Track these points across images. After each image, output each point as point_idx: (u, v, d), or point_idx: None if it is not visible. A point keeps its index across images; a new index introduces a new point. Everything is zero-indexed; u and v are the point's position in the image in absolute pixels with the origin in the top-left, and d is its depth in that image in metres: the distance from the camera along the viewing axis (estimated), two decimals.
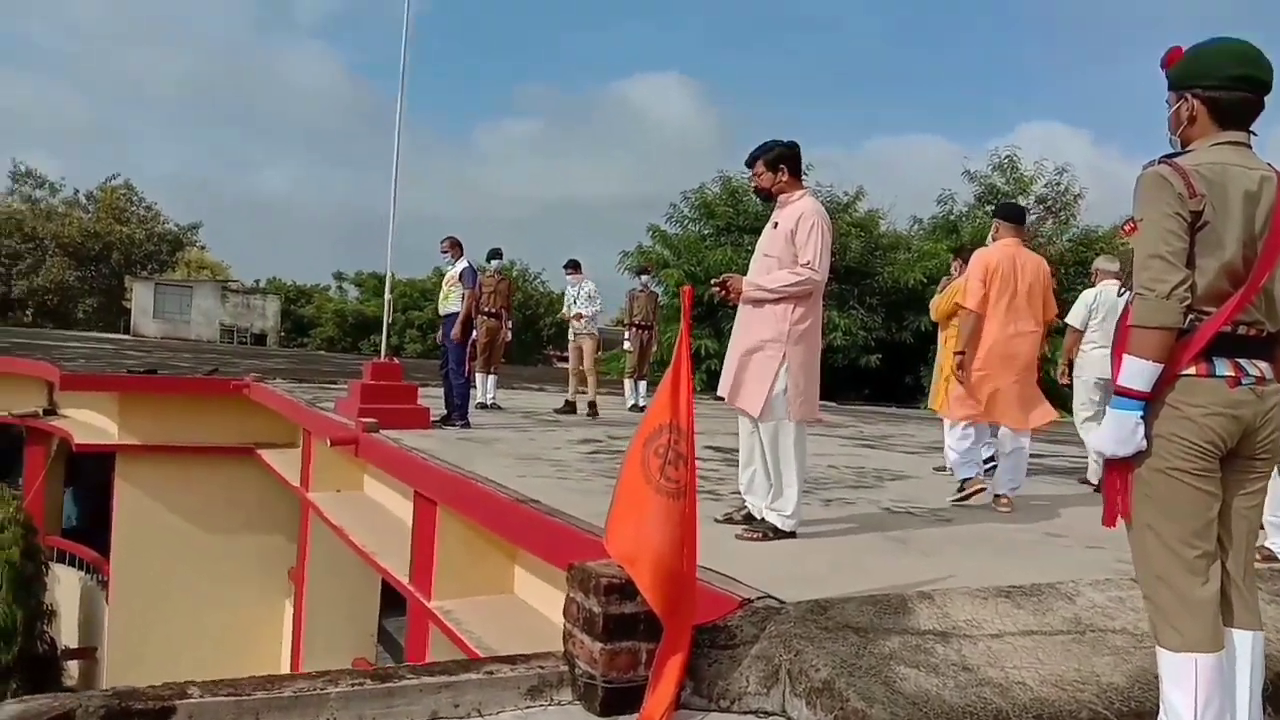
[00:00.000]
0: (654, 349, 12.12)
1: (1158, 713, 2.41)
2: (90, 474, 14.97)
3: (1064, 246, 21.31)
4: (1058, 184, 21.72)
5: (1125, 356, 2.35)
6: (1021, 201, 21.99)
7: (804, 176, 4.52)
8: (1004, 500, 5.64)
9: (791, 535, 4.24)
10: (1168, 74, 2.54)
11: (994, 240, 5.96)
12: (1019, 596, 3.39)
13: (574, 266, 11.51)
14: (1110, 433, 2.36)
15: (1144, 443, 2.33)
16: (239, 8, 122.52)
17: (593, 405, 10.99)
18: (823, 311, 4.43)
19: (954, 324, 6.68)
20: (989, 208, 21.90)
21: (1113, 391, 2.39)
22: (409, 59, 8.52)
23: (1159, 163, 2.41)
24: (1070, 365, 7.14)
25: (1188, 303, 2.29)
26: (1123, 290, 2.52)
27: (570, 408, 11.18)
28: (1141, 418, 2.33)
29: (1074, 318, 7.05)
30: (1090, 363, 6.97)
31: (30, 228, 44.11)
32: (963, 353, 5.52)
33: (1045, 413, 5.76)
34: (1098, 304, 6.98)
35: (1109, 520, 2.46)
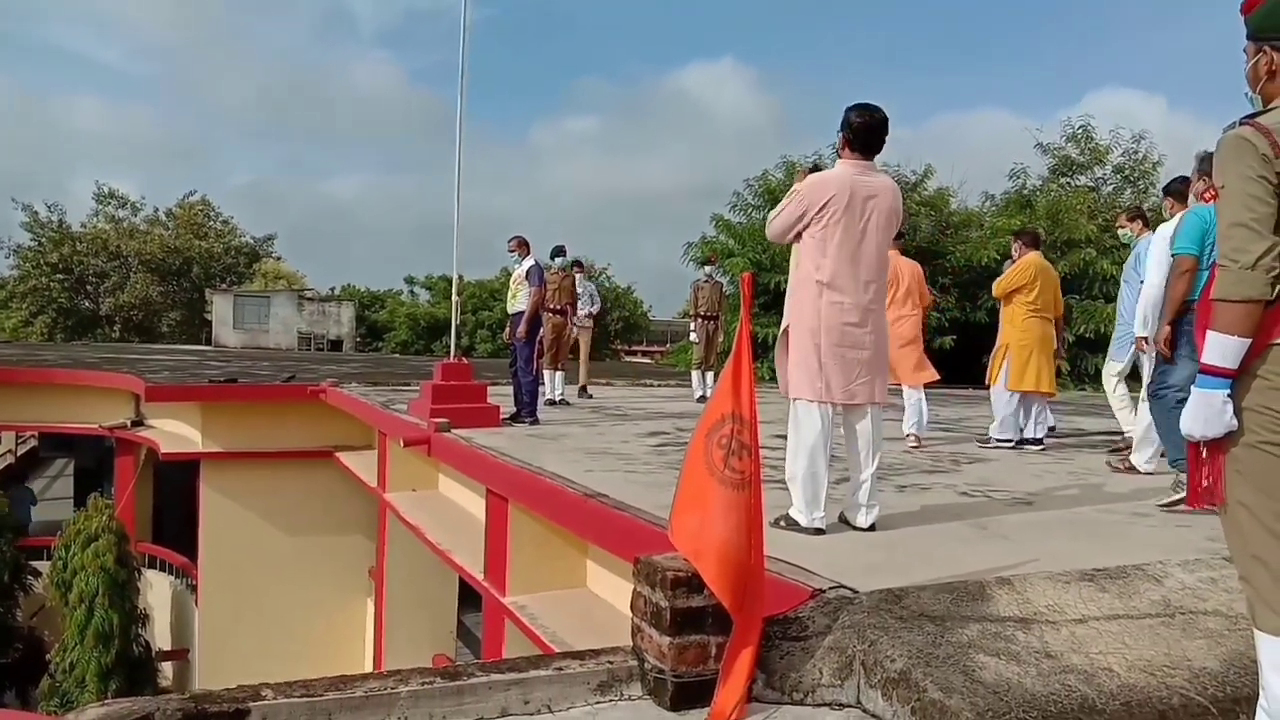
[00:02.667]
0: (720, 339, 12.02)
1: (1256, 698, 2.28)
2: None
3: None
4: (1135, 152, 21.01)
5: (1210, 333, 2.22)
6: (1098, 171, 21.32)
7: (861, 149, 4.09)
8: (913, 438, 7.47)
9: (816, 532, 3.96)
10: (1247, 21, 2.38)
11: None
12: (1103, 580, 3.26)
13: (579, 266, 12.43)
14: (1197, 412, 2.24)
15: (1234, 422, 2.21)
16: (303, 23, 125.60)
17: (585, 389, 12.66)
18: (866, 286, 4.05)
19: (1017, 299, 7.49)
20: (1064, 180, 21.30)
21: (1198, 370, 2.27)
22: (468, 63, 8.54)
23: (1240, 124, 2.27)
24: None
25: (1275, 272, 2.15)
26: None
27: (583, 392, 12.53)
28: (1229, 395, 2.21)
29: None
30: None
31: (115, 246, 45.71)
32: None
33: (930, 374, 7.60)
34: None
35: (1194, 500, 2.34)
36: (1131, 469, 6.28)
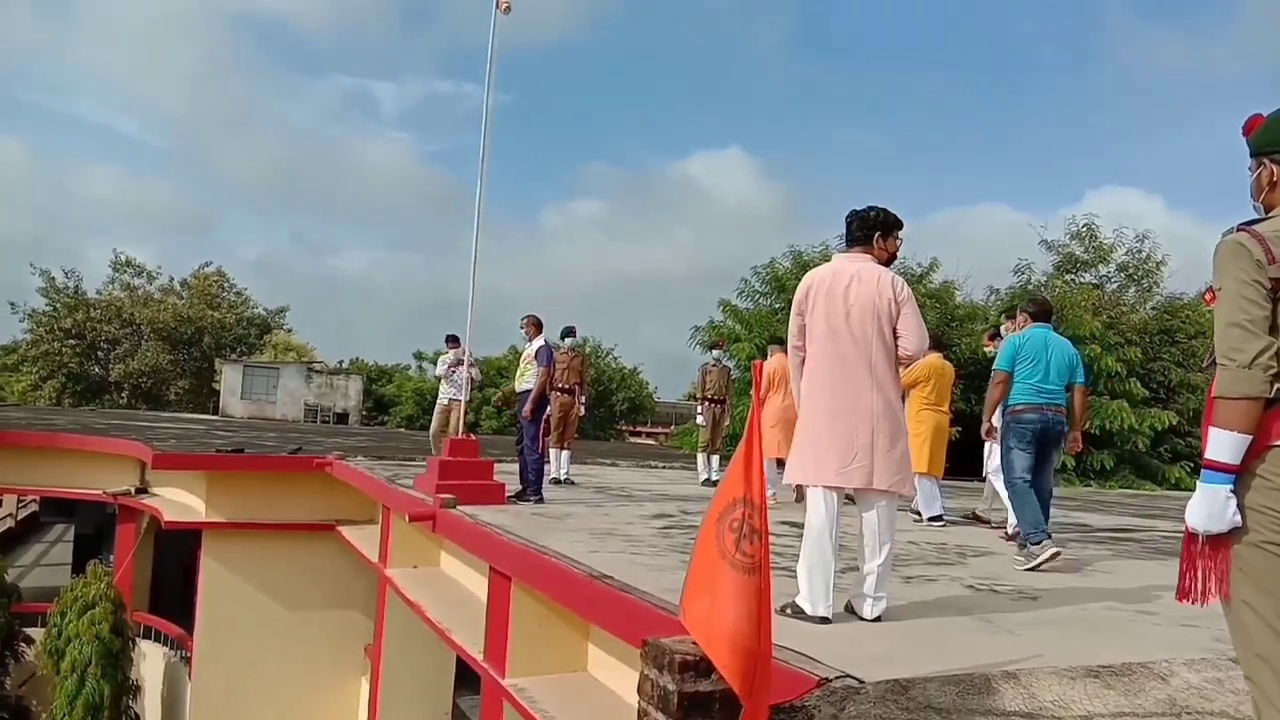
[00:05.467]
0: (727, 423, 12.06)
1: None
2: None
3: (1147, 315, 20.77)
4: (1139, 251, 21.27)
5: (1211, 429, 2.29)
6: (1102, 269, 21.56)
7: (850, 242, 4.40)
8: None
9: (822, 620, 3.94)
10: (1248, 141, 2.53)
11: (772, 356, 9.82)
12: (1109, 676, 3.26)
13: (454, 341, 12.56)
14: (1200, 507, 2.29)
15: (1238, 518, 2.26)
16: (322, 103, 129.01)
17: None
18: (855, 372, 4.14)
19: (914, 393, 8.61)
20: (1069, 277, 21.54)
21: (1203, 465, 2.33)
22: (490, 147, 8.77)
23: (1236, 230, 2.39)
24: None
25: (1273, 371, 2.24)
26: (1207, 363, 2.46)
27: None
28: (1232, 491, 2.26)
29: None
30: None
31: (128, 314, 46.20)
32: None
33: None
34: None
35: (1183, 595, 2.38)
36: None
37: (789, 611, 4.02)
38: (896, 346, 4.26)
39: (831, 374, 4.14)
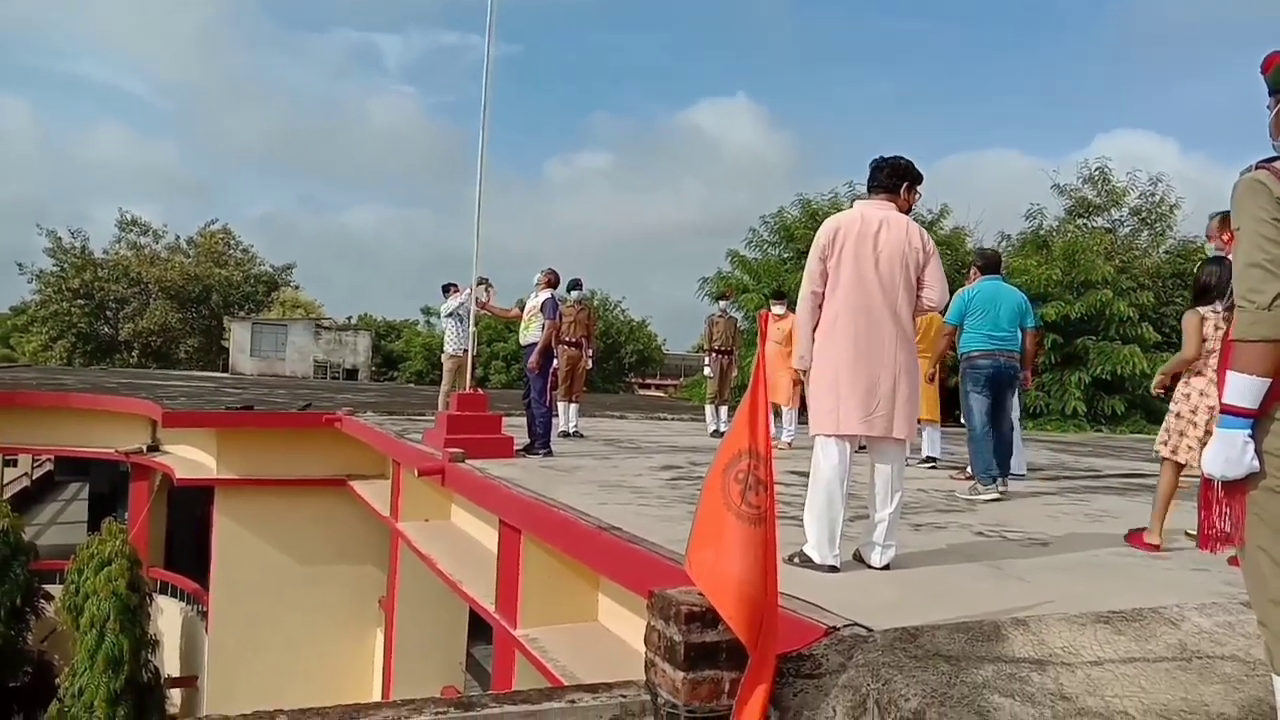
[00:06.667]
0: (734, 374, 12.00)
1: None
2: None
3: (1160, 259, 20.53)
4: (1152, 195, 20.94)
5: (1229, 373, 2.23)
6: (1115, 213, 21.26)
7: (876, 188, 4.30)
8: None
9: (830, 569, 3.93)
10: (1267, 79, 2.44)
11: (774, 310, 10.10)
12: (1119, 622, 3.24)
13: (455, 288, 12.05)
14: (1219, 453, 2.23)
15: (1255, 464, 2.21)
16: (328, 60, 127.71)
17: None
18: (880, 319, 4.05)
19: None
20: (1081, 221, 21.27)
21: (1219, 410, 2.27)
22: (492, 96, 8.63)
23: (1255, 168, 2.31)
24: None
25: None
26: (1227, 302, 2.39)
27: None
28: (1250, 435, 2.21)
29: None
30: None
31: (136, 273, 46.21)
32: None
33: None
34: None
35: (1205, 544, 2.33)
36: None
37: (797, 560, 4.01)
38: (919, 296, 4.21)
39: (856, 321, 4.05)
